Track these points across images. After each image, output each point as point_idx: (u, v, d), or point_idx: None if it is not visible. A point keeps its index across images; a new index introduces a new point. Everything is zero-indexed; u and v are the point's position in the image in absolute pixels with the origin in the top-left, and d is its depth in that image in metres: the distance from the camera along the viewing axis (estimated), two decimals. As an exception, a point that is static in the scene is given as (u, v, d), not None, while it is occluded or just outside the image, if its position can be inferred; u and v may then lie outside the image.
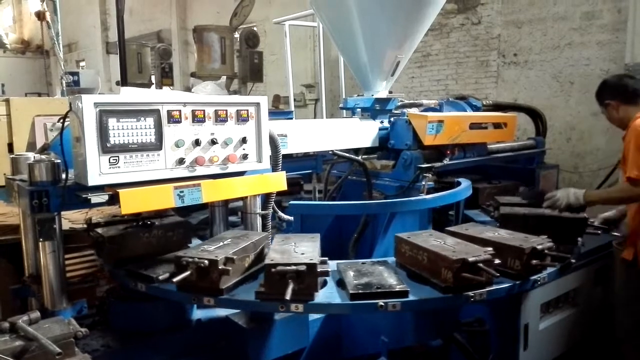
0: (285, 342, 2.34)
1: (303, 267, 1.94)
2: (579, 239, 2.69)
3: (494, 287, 2.09)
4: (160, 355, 2.27)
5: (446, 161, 3.67)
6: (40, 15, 6.56)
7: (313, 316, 2.45)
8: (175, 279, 1.97)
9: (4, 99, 4.44)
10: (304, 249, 2.14)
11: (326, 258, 2.14)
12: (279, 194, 2.58)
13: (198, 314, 2.45)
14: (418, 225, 3.31)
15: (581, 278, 3.00)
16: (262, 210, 2.58)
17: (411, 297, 2.02)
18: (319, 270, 1.98)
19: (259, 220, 2.58)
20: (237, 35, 9.39)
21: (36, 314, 1.84)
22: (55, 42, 6.56)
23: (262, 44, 9.52)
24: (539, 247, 2.20)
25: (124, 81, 7.26)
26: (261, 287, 2.01)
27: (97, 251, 2.55)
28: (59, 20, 6.83)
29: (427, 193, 3.38)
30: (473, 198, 3.64)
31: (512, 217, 2.78)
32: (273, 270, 1.93)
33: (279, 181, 2.53)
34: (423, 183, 3.41)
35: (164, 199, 2.09)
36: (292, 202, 2.99)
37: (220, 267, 1.97)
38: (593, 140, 7.12)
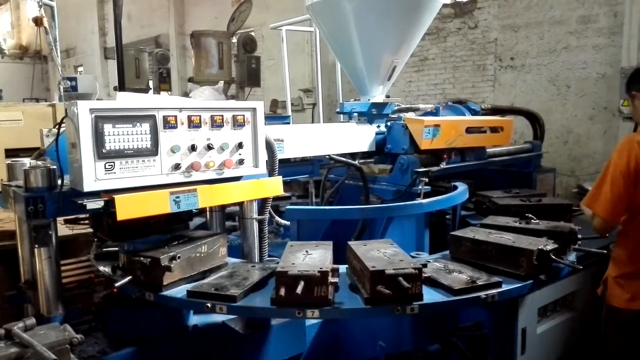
0: (282, 348, 2.33)
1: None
2: (542, 276, 2.27)
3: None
4: (157, 361, 2.26)
5: (443, 165, 3.67)
6: (37, 21, 6.57)
7: (310, 321, 2.43)
8: (117, 284, 2.07)
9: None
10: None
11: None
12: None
13: (195, 319, 2.44)
14: (415, 229, 3.30)
15: (578, 282, 2.99)
16: (258, 215, 2.58)
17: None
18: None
19: (255, 225, 2.58)
20: (234, 40, 9.41)
21: (32, 321, 1.83)
22: (53, 47, 6.58)
23: (260, 48, 9.53)
24: (390, 272, 1.91)
25: (121, 86, 7.25)
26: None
27: (93, 225, 2.56)
28: (57, 26, 6.85)
29: (424, 197, 3.38)
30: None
31: (461, 240, 2.47)
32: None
33: (275, 186, 2.53)
34: (420, 187, 3.41)
35: (160, 204, 2.09)
36: (288, 207, 2.99)
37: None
38: (590, 144, 7.14)
